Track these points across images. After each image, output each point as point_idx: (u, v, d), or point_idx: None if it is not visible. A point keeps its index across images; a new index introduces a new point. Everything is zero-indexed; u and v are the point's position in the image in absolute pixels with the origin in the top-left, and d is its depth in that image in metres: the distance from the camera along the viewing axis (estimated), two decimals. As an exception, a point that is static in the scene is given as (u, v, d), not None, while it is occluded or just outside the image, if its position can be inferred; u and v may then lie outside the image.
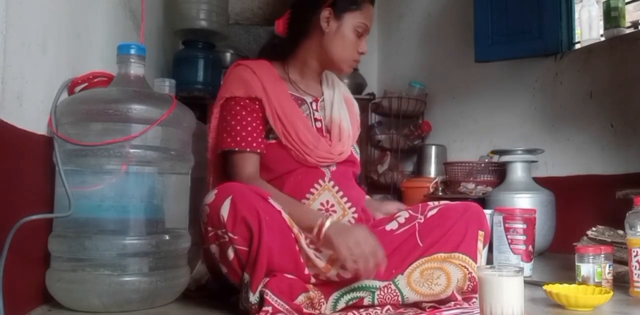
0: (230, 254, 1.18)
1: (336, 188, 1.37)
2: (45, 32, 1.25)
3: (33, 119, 1.21)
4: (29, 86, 1.17)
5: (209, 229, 1.21)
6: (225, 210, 1.15)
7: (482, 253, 1.36)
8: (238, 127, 1.32)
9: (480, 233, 1.33)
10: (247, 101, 1.34)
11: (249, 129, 1.32)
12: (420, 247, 1.29)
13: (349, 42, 1.38)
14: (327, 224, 1.19)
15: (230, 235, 1.16)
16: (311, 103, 1.43)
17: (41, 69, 1.24)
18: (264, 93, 1.34)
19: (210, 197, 1.19)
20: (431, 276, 1.27)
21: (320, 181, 1.36)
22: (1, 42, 1.03)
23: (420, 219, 1.34)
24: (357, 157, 1.50)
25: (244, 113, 1.33)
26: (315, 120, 1.42)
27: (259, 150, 1.33)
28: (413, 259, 1.28)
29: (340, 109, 1.45)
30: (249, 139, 1.31)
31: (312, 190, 1.34)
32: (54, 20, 1.30)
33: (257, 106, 1.34)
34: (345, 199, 1.37)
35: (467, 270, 1.28)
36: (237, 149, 1.31)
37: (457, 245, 1.30)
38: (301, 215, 1.24)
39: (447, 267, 1.28)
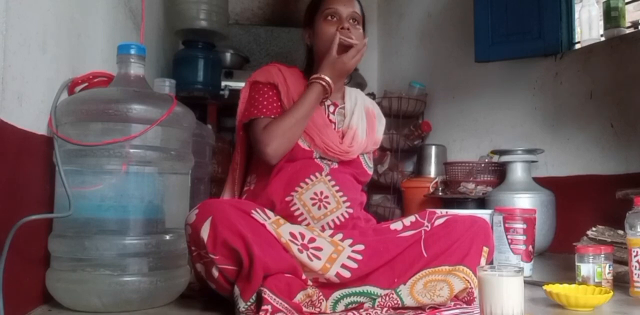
0: (215, 272, 1.20)
1: (332, 182, 1.39)
2: (45, 32, 1.25)
3: (33, 119, 1.21)
4: (29, 86, 1.17)
5: (192, 248, 1.23)
6: (205, 232, 1.16)
7: None
8: (265, 102, 1.42)
9: (485, 249, 1.33)
10: (268, 86, 1.44)
11: (274, 104, 1.42)
12: (425, 257, 1.28)
13: (324, 31, 1.44)
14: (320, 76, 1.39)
15: (212, 256, 1.17)
16: (328, 106, 1.49)
17: (41, 69, 1.24)
18: (284, 82, 1.44)
19: (192, 216, 1.21)
20: (434, 288, 1.26)
21: (317, 174, 1.39)
22: (1, 42, 1.03)
23: (427, 226, 1.33)
24: (368, 171, 1.52)
25: (270, 93, 1.43)
26: (330, 121, 1.46)
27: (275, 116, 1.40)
28: (417, 269, 1.28)
29: (359, 119, 1.50)
30: (272, 109, 1.41)
31: (307, 180, 1.37)
32: (54, 20, 1.30)
33: (275, 91, 1.43)
34: (340, 193, 1.38)
35: (469, 284, 1.27)
36: (262, 117, 1.40)
37: (461, 259, 1.29)
38: (297, 104, 1.37)
39: (452, 279, 1.27)
